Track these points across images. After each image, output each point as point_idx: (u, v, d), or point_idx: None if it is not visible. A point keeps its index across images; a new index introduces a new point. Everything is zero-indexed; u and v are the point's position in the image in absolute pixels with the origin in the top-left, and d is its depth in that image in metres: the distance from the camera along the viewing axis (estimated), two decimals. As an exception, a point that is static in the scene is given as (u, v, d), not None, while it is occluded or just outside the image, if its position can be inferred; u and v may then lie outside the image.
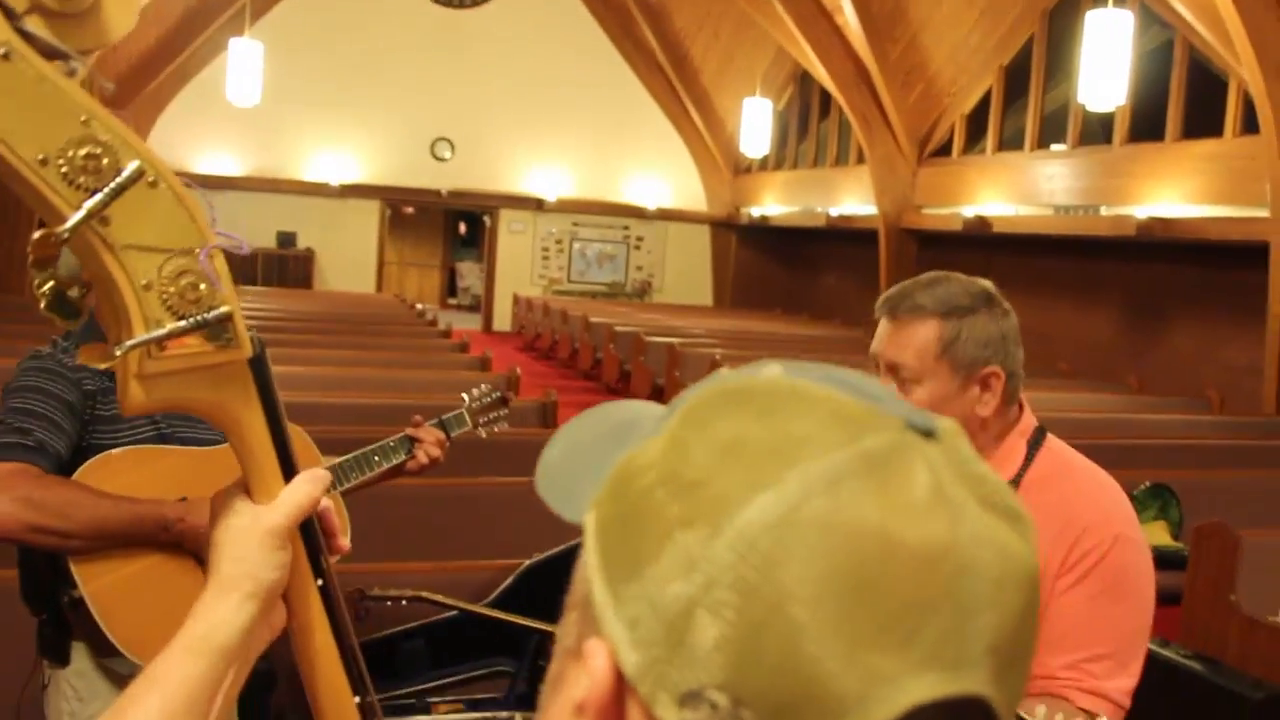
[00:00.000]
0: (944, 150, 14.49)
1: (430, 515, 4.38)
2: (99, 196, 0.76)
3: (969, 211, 13.14)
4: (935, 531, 0.46)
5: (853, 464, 0.47)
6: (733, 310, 19.24)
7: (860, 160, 15.48)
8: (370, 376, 7.23)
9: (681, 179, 20.66)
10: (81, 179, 0.75)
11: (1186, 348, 11.02)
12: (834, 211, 16.46)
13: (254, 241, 16.39)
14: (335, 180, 18.96)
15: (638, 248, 20.87)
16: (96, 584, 2.15)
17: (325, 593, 0.93)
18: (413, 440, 2.60)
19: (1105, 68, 9.01)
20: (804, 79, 17.64)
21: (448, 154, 19.68)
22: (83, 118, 0.76)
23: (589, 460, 0.57)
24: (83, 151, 0.75)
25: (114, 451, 2.23)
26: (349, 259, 19.30)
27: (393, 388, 6.87)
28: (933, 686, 0.45)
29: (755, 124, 15.89)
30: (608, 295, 20.49)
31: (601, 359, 13.62)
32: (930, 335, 1.74)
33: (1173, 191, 10.29)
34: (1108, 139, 11.45)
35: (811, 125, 18.14)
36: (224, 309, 0.81)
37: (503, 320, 20.27)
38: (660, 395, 11.33)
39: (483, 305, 21.13)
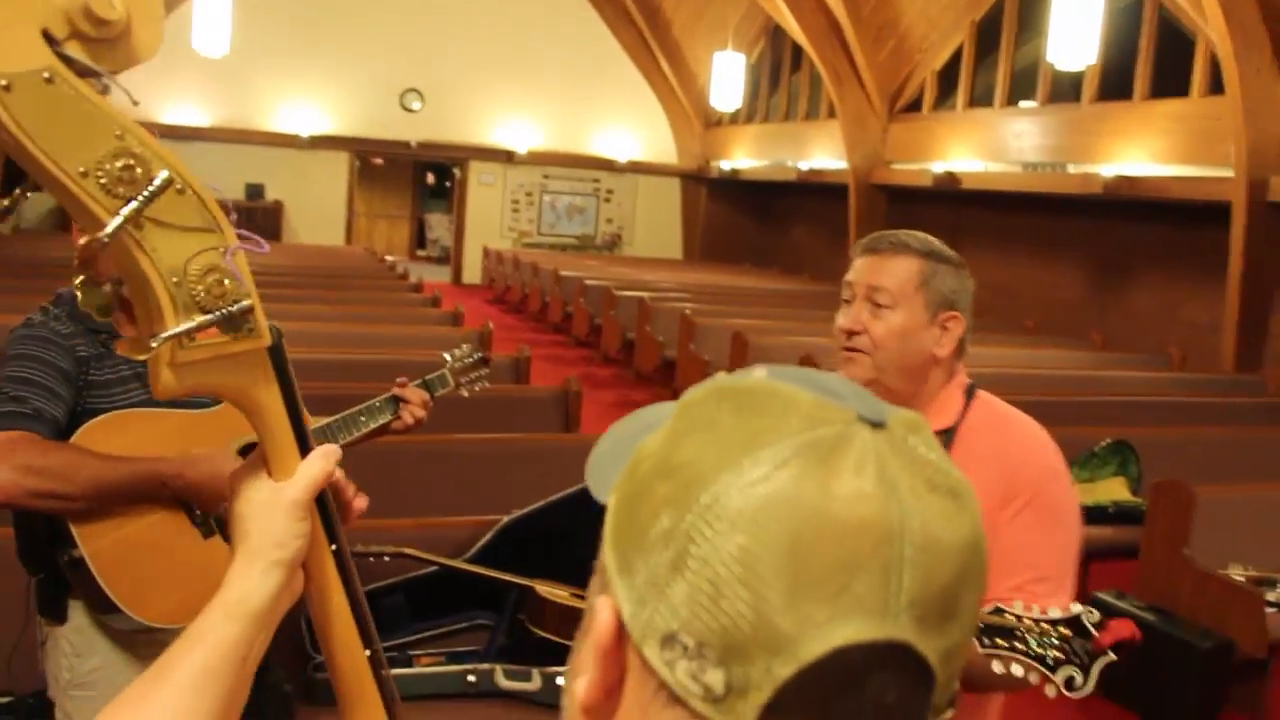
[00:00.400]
0: (914, 106, 14.55)
1: (409, 472, 4.43)
2: (134, 204, 0.82)
3: (938, 167, 13.23)
4: (867, 507, 0.55)
5: (800, 449, 0.56)
6: (702, 264, 19.28)
7: (831, 115, 15.52)
8: (342, 332, 7.24)
9: (652, 132, 20.61)
10: (118, 188, 0.82)
11: (1149, 305, 11.19)
12: (804, 166, 16.50)
13: (221, 193, 16.26)
14: (304, 131, 18.78)
15: (608, 200, 20.85)
16: (96, 544, 2.21)
17: (338, 557, 1.00)
18: (398, 400, 2.65)
19: (1075, 26, 9.06)
20: (776, 32, 17.61)
21: (417, 105, 19.53)
22: (117, 132, 0.82)
23: (622, 454, 0.67)
24: (118, 163, 0.82)
25: (108, 415, 2.28)
26: (318, 211, 19.18)
27: (365, 343, 6.89)
28: (857, 631, 0.54)
29: (726, 78, 15.86)
30: (577, 248, 20.49)
31: (572, 313, 13.66)
32: (912, 268, 1.92)
33: (1139, 150, 10.41)
34: (1077, 97, 11.54)
35: (783, 79, 18.14)
36: (246, 302, 0.89)
37: (472, 273, 20.24)
38: (630, 349, 11.39)
39: (452, 258, 21.08)
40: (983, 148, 12.91)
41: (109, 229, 0.82)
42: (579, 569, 3.88)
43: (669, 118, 20.57)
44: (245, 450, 2.42)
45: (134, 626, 2.29)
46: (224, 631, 0.90)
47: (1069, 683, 1.72)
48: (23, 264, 10.79)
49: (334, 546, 1.00)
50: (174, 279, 0.85)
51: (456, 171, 20.69)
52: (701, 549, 0.55)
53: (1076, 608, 1.75)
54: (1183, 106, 10.13)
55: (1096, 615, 1.72)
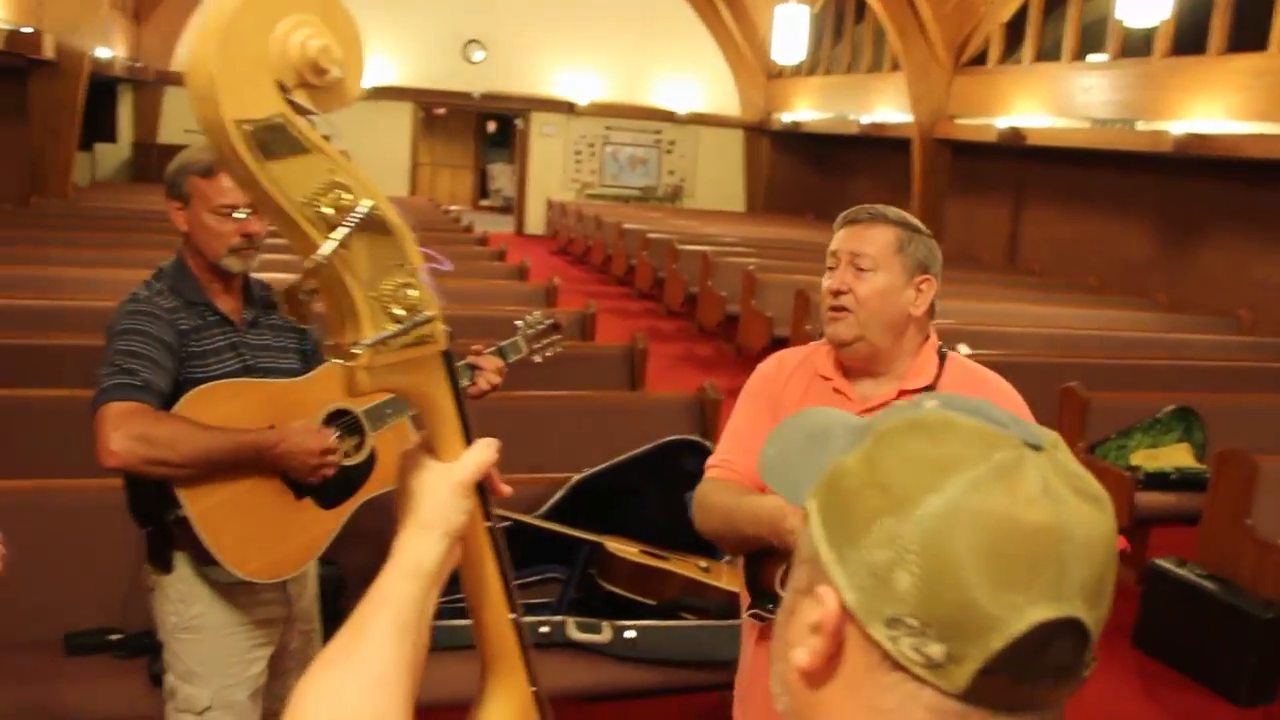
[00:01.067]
0: (980, 60, 14.36)
1: (481, 429, 4.56)
2: (344, 230, 0.95)
3: (1003, 123, 13.08)
4: (1044, 515, 0.71)
5: (989, 472, 0.73)
6: (765, 216, 19.25)
7: (895, 68, 15.37)
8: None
9: (714, 83, 20.51)
10: (331, 215, 0.95)
11: (1219, 266, 11.03)
12: (867, 119, 16.37)
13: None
14: (367, 82, 18.90)
15: (669, 152, 20.82)
16: (199, 505, 2.38)
17: (491, 533, 1.14)
18: (474, 368, 2.78)
19: (1147, -20, 8.90)
20: (841, -18, 17.41)
21: (480, 56, 19.60)
22: (330, 168, 0.96)
23: (798, 460, 0.85)
24: (332, 195, 0.95)
25: (208, 385, 2.44)
26: (382, 162, 19.34)
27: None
28: (1046, 611, 0.71)
29: (789, 30, 15.72)
30: (639, 199, 20.52)
31: (636, 266, 13.75)
32: (890, 236, 2.13)
33: (1212, 106, 10.22)
34: (1148, 51, 11.33)
35: (846, 30, 17.95)
36: (429, 313, 1.02)
37: (535, 224, 20.37)
38: (694, 303, 11.47)
39: (515, 209, 21.20)
40: (1049, 103, 12.74)
41: (324, 251, 0.95)
42: (647, 526, 4.02)
43: (731, 69, 20.45)
44: (330, 418, 2.57)
45: (232, 579, 2.45)
46: (406, 591, 1.02)
47: None
48: (100, 215, 11.07)
49: (488, 524, 1.13)
50: (371, 293, 0.98)
51: (519, 123, 20.75)
52: (920, 551, 0.71)
53: None
54: (1260, 61, 9.89)
55: None
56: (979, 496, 0.71)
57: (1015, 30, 13.70)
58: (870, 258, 2.11)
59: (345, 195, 0.95)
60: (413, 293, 1.00)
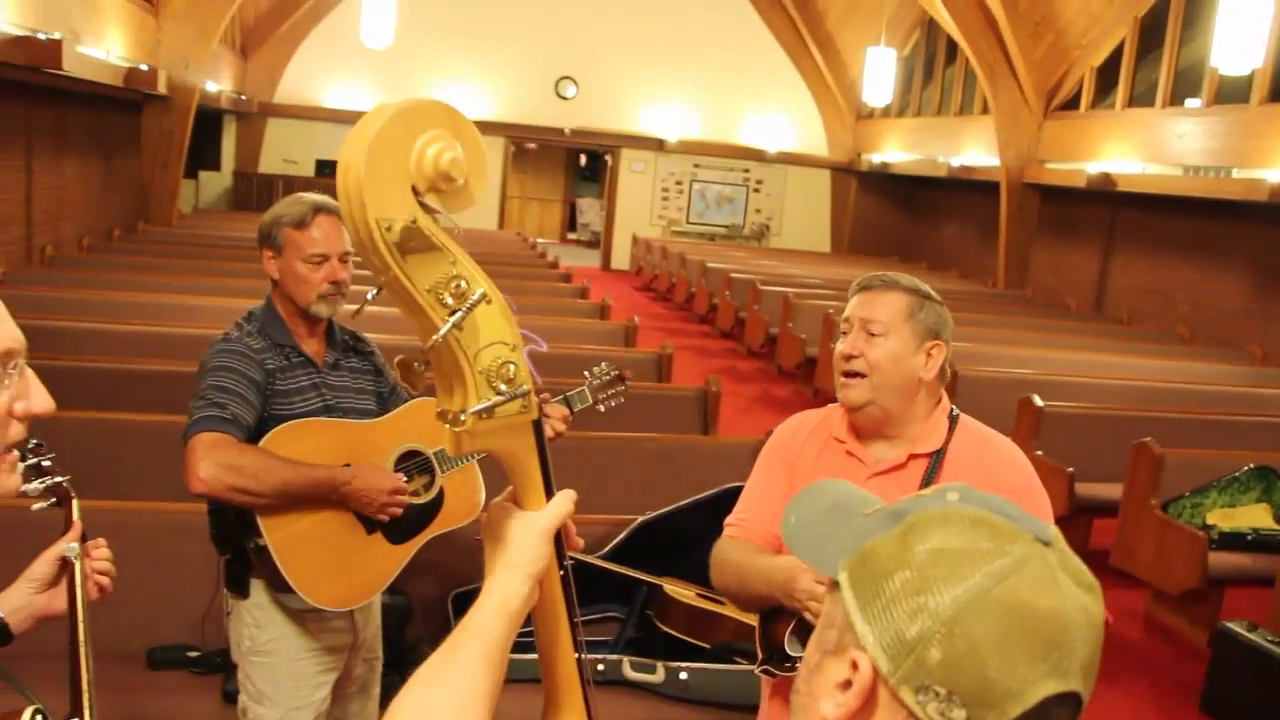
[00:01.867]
0: (1071, 104, 14.21)
1: (554, 469, 4.66)
2: (460, 314, 1.09)
3: (1094, 168, 12.93)
4: (1053, 603, 0.84)
5: (1008, 565, 0.85)
6: (850, 256, 19.21)
7: (984, 111, 15.28)
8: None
9: (803, 122, 20.58)
10: (450, 301, 1.09)
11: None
12: (956, 161, 16.30)
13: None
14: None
15: (757, 190, 20.91)
16: (278, 535, 2.53)
17: (564, 577, 1.26)
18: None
19: (1241, 28, 8.73)
20: (930, 25, 17.41)
21: (572, 92, 19.92)
22: (452, 259, 1.10)
23: (820, 530, 0.98)
24: (452, 285, 1.09)
25: (292, 423, 2.61)
26: (473, 194, 19.67)
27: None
28: (1053, 686, 0.83)
29: (878, 73, 15.74)
30: (726, 237, 20.62)
31: (717, 304, 13.82)
32: (902, 302, 2.20)
33: (1311, 156, 10.01)
34: (1245, 97, 11.14)
35: (936, 73, 17.91)
36: (525, 387, 1.15)
37: (621, 259, 20.57)
38: (774, 344, 11.50)
39: (602, 244, 21.45)
40: (1142, 148, 12.56)
41: (442, 332, 1.09)
42: (705, 570, 4.10)
43: (820, 109, 20.50)
44: (403, 458, 2.72)
45: (304, 607, 2.60)
46: (494, 627, 1.14)
47: None
48: (201, 242, 11.49)
49: (562, 571, 1.25)
50: (479, 368, 1.12)
51: (608, 158, 21.01)
52: (949, 632, 0.83)
53: None
54: (1358, 112, 9.67)
55: None
56: (1000, 587, 0.84)
57: (1108, 74, 13.54)
58: (881, 323, 2.18)
59: (462, 284, 1.09)
60: (513, 368, 1.13)
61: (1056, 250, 14.84)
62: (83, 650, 1.66)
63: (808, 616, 2.00)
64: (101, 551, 1.79)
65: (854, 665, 0.88)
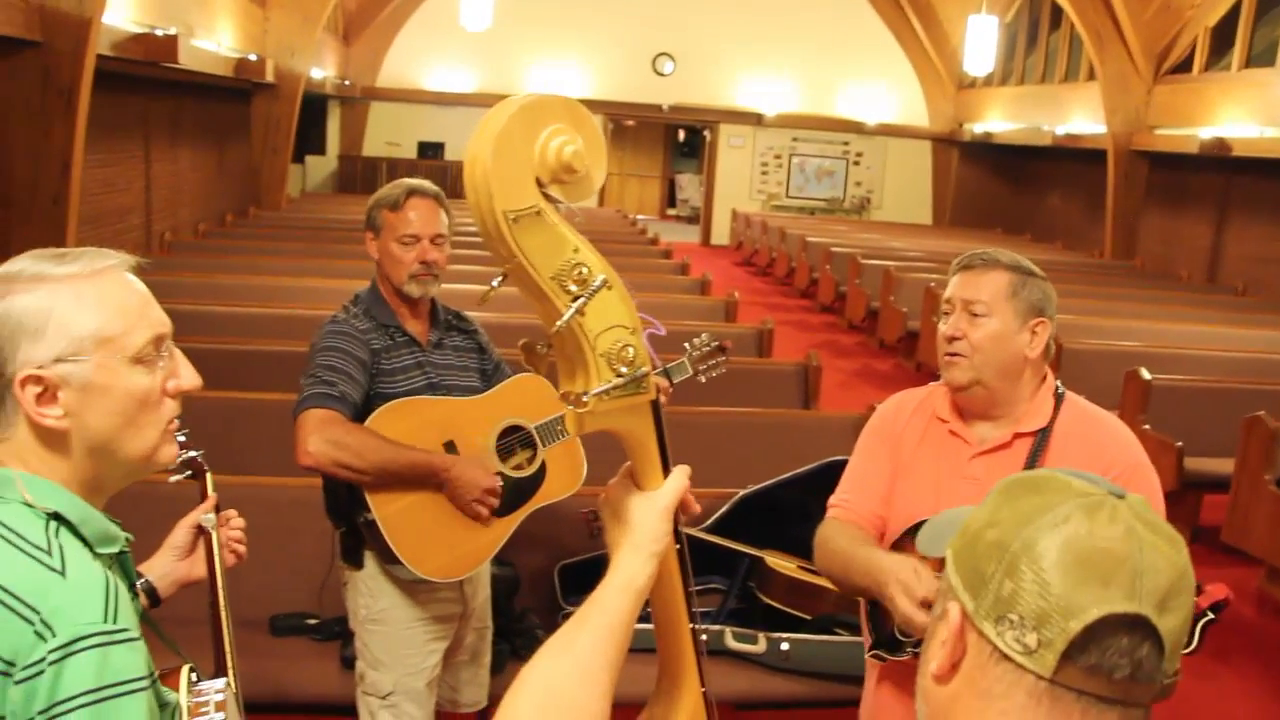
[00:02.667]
0: (1183, 67, 13.78)
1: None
2: (582, 300, 1.14)
3: (1207, 133, 12.53)
4: (1118, 538, 0.91)
5: (1075, 508, 0.94)
6: (952, 229, 18.92)
7: (1091, 77, 14.91)
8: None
9: (903, 94, 20.29)
10: (572, 287, 1.14)
11: None
12: (1060, 130, 15.93)
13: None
14: (561, 94, 19.42)
15: (857, 163, 20.70)
16: (385, 510, 2.64)
17: (680, 552, 1.31)
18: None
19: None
20: (1036, -11, 17.00)
21: (669, 68, 19.92)
22: (574, 247, 1.14)
23: (942, 533, 1.12)
24: (575, 272, 1.14)
25: (396, 402, 2.71)
26: (572, 173, 19.81)
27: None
28: (1116, 605, 0.89)
29: (980, 41, 15.40)
30: (826, 211, 20.47)
31: (818, 279, 13.76)
32: (1003, 281, 2.17)
33: None
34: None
35: (1040, 38, 17.49)
36: (644, 369, 1.20)
37: (721, 234, 20.56)
38: (875, 318, 11.42)
39: (702, 219, 21.45)
40: (1260, 111, 12.11)
41: (565, 318, 1.14)
42: (807, 543, 4.12)
43: (920, 79, 20.18)
44: (505, 433, 2.80)
45: (413, 578, 2.70)
46: (621, 603, 1.20)
47: None
48: (309, 225, 11.80)
49: (679, 546, 1.31)
50: (600, 351, 1.17)
51: (707, 134, 20.97)
52: (1018, 563, 0.92)
53: None
54: None
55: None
56: (1067, 524, 0.93)
57: (1223, 35, 13.09)
58: (983, 303, 2.15)
59: (584, 270, 1.15)
60: (632, 350, 1.18)
61: (1167, 219, 14.43)
62: (223, 614, 1.78)
63: (895, 617, 1.98)
64: (236, 522, 1.91)
65: (948, 615, 0.98)
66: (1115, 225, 14.66)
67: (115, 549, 1.38)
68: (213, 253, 9.37)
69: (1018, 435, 2.18)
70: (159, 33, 8.71)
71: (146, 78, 9.93)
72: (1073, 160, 16.86)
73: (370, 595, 2.81)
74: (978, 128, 19.10)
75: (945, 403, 2.26)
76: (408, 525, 2.66)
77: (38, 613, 1.22)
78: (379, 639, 2.82)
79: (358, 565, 2.81)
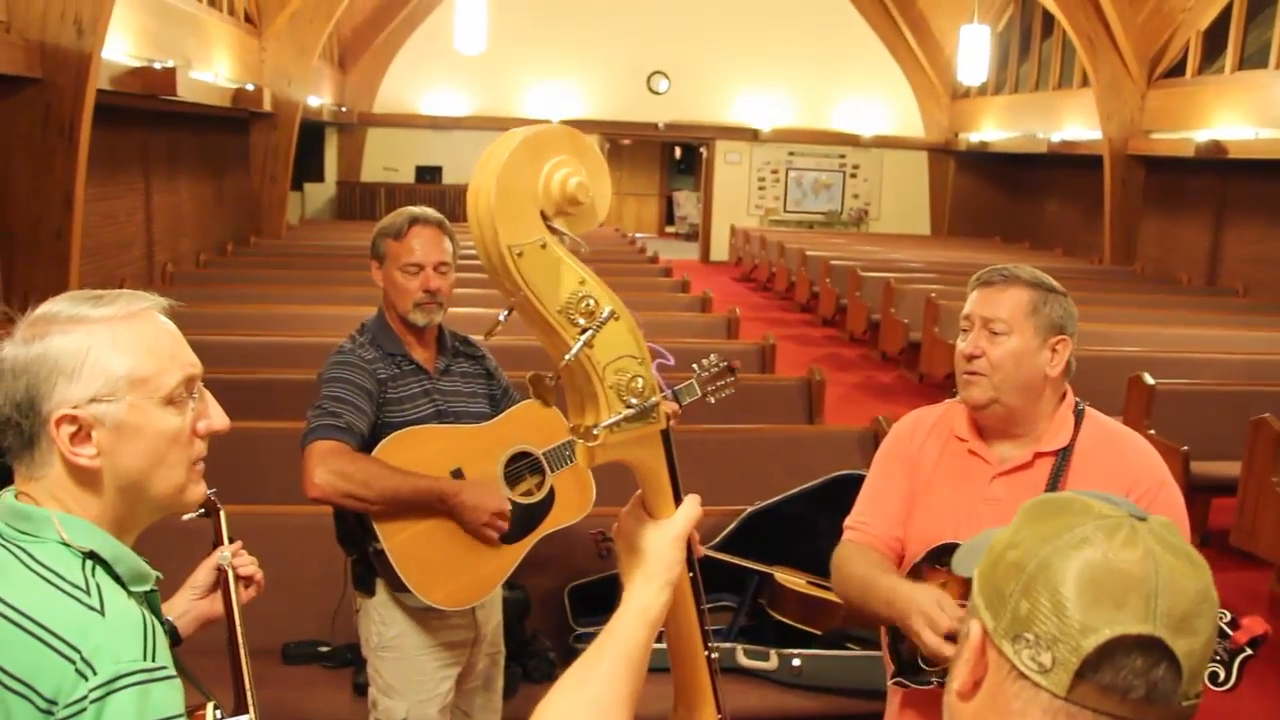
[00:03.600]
0: (1176, 70, 13.82)
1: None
2: (589, 332, 1.14)
3: (1203, 136, 12.56)
4: (1136, 561, 0.92)
5: (1094, 530, 0.95)
6: (950, 239, 18.95)
7: (1085, 83, 14.95)
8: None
9: (898, 106, 20.35)
10: (580, 320, 1.13)
11: None
12: (1056, 137, 15.98)
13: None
14: (556, 116, 19.52)
15: (854, 176, 20.74)
16: (394, 540, 2.65)
17: (693, 580, 1.31)
18: (649, 410, 2.96)
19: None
20: (1026, -1, 17.06)
21: (664, 86, 19.98)
22: (581, 279, 1.14)
23: (974, 557, 1.09)
24: (582, 304, 1.13)
25: (402, 431, 2.72)
26: (570, 193, 19.85)
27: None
28: (1129, 626, 0.90)
29: (973, 51, 15.45)
30: (824, 224, 20.50)
31: (818, 293, 13.77)
32: (1023, 298, 2.14)
33: None
34: (1360, 57, 10.72)
35: (1033, 46, 17.55)
36: (654, 399, 1.20)
37: (720, 250, 20.58)
38: (877, 330, 11.43)
39: (700, 235, 21.48)
40: (1254, 113, 12.14)
41: (574, 351, 1.14)
42: (816, 558, 4.13)
43: (914, 90, 20.24)
44: (513, 460, 2.80)
45: (423, 605, 2.71)
46: (635, 634, 1.20)
47: (1213, 678, 1.91)
48: (309, 253, 11.83)
49: (691, 573, 1.30)
50: (609, 383, 1.17)
51: (703, 151, 21.03)
52: (1035, 583, 0.93)
53: None
54: None
55: (1228, 615, 1.87)
56: (1085, 545, 0.94)
57: (1215, 38, 13.12)
58: (1003, 321, 2.12)
59: (591, 303, 1.14)
60: (641, 381, 1.18)
61: (1165, 223, 14.46)
62: (242, 651, 1.78)
63: (920, 648, 1.96)
64: (244, 558, 1.91)
65: (969, 632, 1.00)
66: (1114, 230, 14.68)
67: (147, 587, 1.40)
68: (215, 282, 9.40)
69: (1039, 455, 2.14)
70: (157, 65, 8.76)
71: (145, 110, 9.98)
72: (1069, 167, 16.90)
73: (382, 623, 2.81)
74: (973, 137, 19.15)
75: (963, 421, 2.22)
76: (416, 554, 2.67)
77: (78, 651, 1.23)
78: (391, 666, 2.82)
79: (370, 593, 2.82)
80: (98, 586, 1.30)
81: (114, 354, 1.34)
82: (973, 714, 1.00)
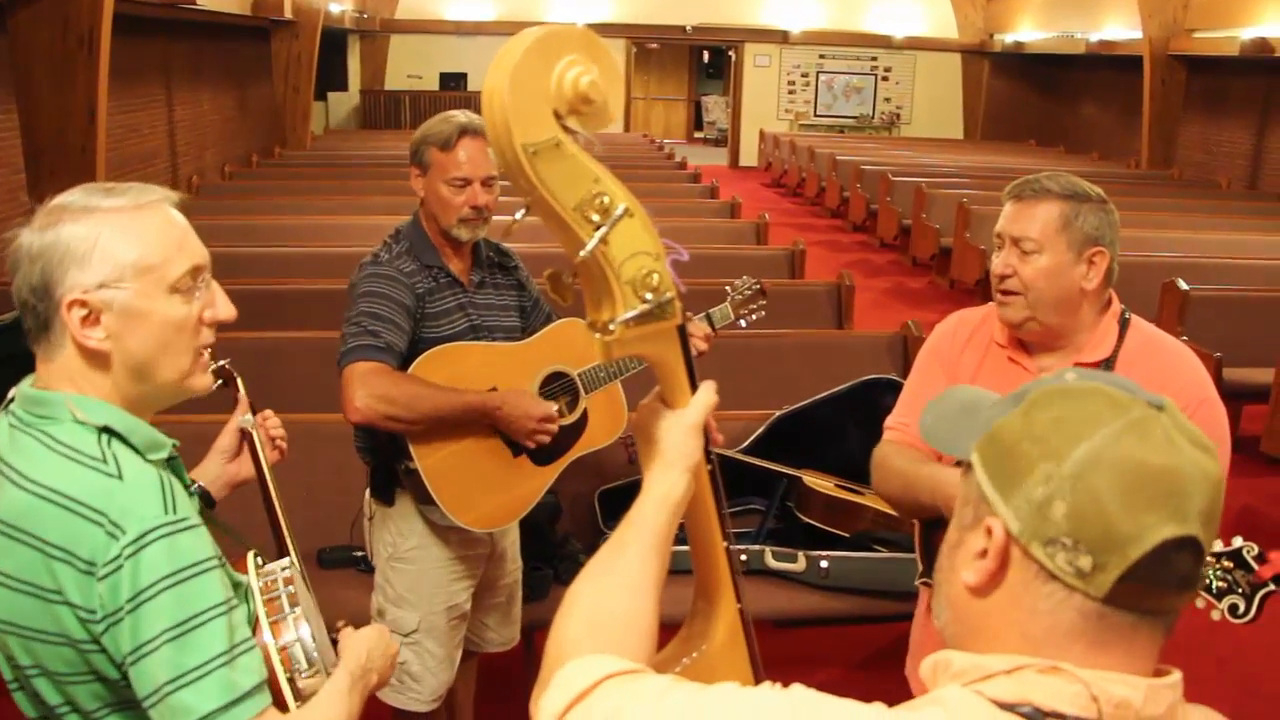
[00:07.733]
0: (1222, -35, 13.39)
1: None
2: (604, 229, 1.15)
3: (1249, 34, 12.20)
4: (1168, 458, 0.93)
5: (1123, 427, 0.94)
6: (984, 143, 18.63)
7: (1127, -21, 14.53)
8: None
9: (931, 6, 19.88)
10: (595, 217, 1.15)
11: None
12: (1094, 37, 15.57)
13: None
14: (582, 19, 19.19)
15: (885, 79, 20.38)
16: (429, 460, 2.61)
17: (710, 471, 1.34)
18: (683, 332, 2.93)
19: None
20: (1067, -109, 16.52)
21: (692, -13, 19.60)
22: (594, 177, 1.15)
23: (953, 425, 1.09)
24: (596, 201, 1.15)
25: (439, 348, 2.65)
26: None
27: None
28: (1172, 530, 0.91)
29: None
30: (855, 129, 20.20)
31: (849, 198, 13.62)
32: (1053, 212, 2.07)
33: None
34: None
35: (1074, -58, 17.04)
36: (670, 294, 1.21)
37: (749, 155, 20.35)
38: (908, 235, 11.32)
39: (729, 140, 21.24)
40: (1304, 9, 11.77)
41: (589, 247, 1.15)
42: (844, 462, 4.13)
43: (949, -11, 19.77)
44: (547, 380, 2.78)
45: (449, 523, 2.69)
46: (657, 519, 1.23)
47: (1232, 609, 1.92)
48: (335, 162, 11.79)
49: (710, 466, 1.33)
50: (624, 279, 1.18)
51: (731, 54, 20.69)
52: (1072, 489, 0.92)
53: (1237, 541, 1.93)
54: None
55: (1256, 549, 1.87)
56: (1117, 446, 0.93)
57: (1263, -69, 12.67)
58: (1033, 240, 2.06)
59: (605, 200, 1.15)
60: (656, 277, 1.19)
61: (1206, 126, 14.14)
62: (276, 504, 1.85)
63: None
64: (273, 421, 1.97)
65: (988, 531, 0.98)
66: (1152, 134, 14.35)
67: (164, 454, 1.48)
68: (241, 194, 9.39)
69: (1079, 365, 2.09)
70: (177, -27, 8.66)
71: (165, 20, 9.89)
72: (1107, 68, 16.52)
73: (399, 534, 2.79)
74: (1008, 38, 18.71)
75: (1003, 328, 2.18)
76: (450, 475, 2.63)
77: (105, 515, 1.34)
78: (405, 577, 2.80)
79: (389, 502, 2.79)
80: (114, 456, 1.39)
81: (123, 242, 1.41)
82: (985, 611, 1.00)
